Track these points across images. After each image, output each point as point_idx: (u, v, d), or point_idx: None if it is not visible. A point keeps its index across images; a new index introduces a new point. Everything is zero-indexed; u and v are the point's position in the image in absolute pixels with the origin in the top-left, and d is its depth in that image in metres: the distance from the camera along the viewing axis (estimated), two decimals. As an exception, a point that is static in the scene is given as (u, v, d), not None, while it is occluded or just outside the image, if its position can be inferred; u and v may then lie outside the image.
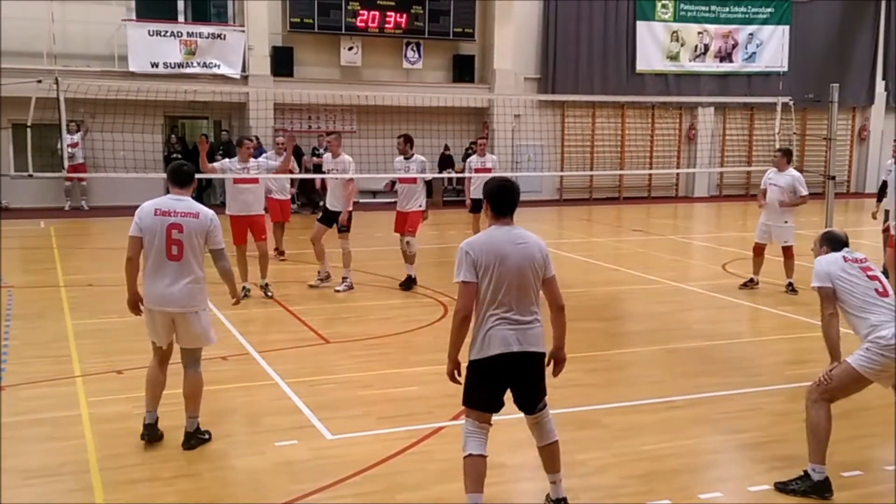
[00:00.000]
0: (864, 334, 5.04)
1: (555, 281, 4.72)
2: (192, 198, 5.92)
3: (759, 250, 11.42)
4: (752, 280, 11.50)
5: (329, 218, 11.17)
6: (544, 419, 4.78)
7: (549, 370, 4.80)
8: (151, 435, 5.79)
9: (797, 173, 11.25)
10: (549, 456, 4.80)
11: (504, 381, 4.64)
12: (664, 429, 6.30)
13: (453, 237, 16.54)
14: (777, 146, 13.92)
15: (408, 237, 11.18)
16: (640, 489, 5.24)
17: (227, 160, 10.48)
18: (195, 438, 5.81)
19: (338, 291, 11.04)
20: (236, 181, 10.41)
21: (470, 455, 4.59)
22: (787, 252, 11.22)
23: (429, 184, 11.36)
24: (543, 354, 4.69)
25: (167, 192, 6.08)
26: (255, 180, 10.50)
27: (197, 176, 6.40)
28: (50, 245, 15.26)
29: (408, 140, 11.17)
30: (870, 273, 5.24)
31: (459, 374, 4.68)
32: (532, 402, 4.73)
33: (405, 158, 11.13)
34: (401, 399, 6.91)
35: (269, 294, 10.54)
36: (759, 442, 6.09)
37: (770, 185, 11.31)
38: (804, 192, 11.08)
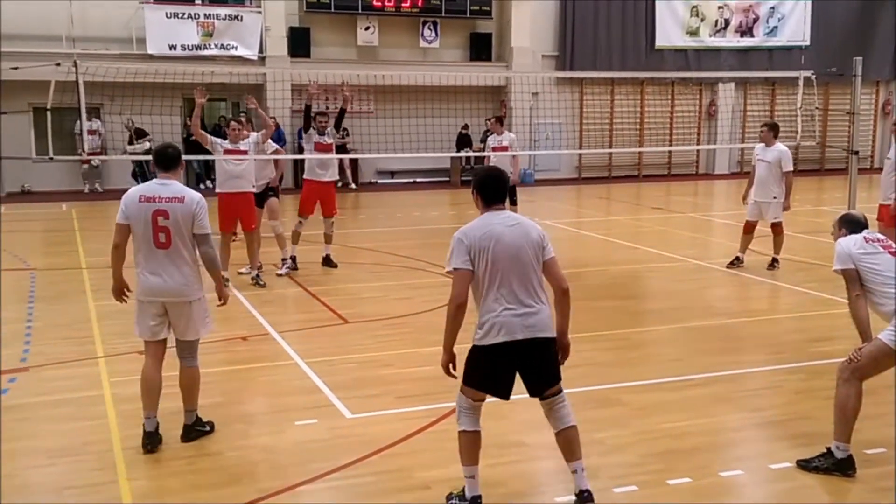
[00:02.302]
0: (893, 310, 4.98)
1: (556, 263, 4.60)
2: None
3: (749, 228, 11.29)
4: (737, 258, 11.35)
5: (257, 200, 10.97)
6: (558, 404, 4.64)
7: None
8: (153, 443, 5.46)
9: (784, 147, 11.13)
10: (566, 442, 4.63)
11: (511, 369, 4.54)
12: (684, 407, 6.27)
13: (472, 216, 16.47)
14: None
15: (332, 219, 11.40)
16: (659, 467, 5.23)
17: (217, 139, 10.31)
18: (194, 431, 5.65)
19: (279, 275, 10.86)
20: (226, 156, 10.08)
21: (465, 431, 4.61)
22: (776, 228, 11.14)
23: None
24: (553, 339, 4.56)
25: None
26: (244, 153, 10.14)
27: (185, 157, 6.13)
28: (72, 227, 15.39)
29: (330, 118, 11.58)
30: (892, 250, 5.20)
31: (454, 368, 4.61)
32: (541, 386, 4.62)
33: (322, 133, 11.34)
34: (420, 378, 6.91)
35: (262, 283, 10.29)
36: (780, 420, 6.05)
37: (759, 162, 11.20)
38: (788, 167, 10.98)
